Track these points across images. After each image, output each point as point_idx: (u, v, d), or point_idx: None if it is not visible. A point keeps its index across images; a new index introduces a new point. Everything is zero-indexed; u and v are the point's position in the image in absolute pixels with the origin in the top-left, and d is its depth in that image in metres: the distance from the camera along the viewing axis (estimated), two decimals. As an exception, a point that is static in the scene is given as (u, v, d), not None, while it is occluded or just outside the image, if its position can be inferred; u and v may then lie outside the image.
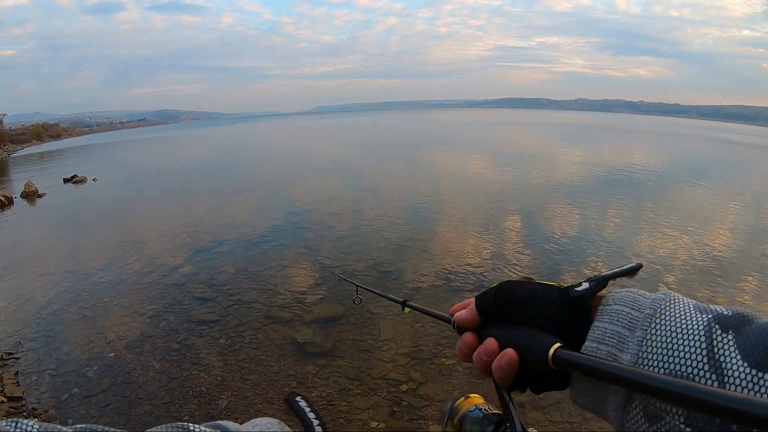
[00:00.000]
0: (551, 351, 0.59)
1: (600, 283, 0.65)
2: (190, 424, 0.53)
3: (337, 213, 13.72)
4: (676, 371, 0.51)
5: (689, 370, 0.50)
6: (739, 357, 0.48)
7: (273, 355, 6.13)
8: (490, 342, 0.68)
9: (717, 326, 0.52)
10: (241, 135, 75.41)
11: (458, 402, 1.13)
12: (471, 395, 1.18)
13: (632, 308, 0.59)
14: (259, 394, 5.37)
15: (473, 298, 0.76)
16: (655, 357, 0.53)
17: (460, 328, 0.76)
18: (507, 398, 0.73)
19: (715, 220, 13.28)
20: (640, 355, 0.55)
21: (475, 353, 0.70)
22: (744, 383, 0.46)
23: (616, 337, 0.58)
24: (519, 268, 8.88)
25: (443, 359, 5.81)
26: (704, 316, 0.54)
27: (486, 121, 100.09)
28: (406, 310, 1.29)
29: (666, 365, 0.52)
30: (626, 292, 0.62)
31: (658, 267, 9.13)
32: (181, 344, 6.45)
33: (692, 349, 0.51)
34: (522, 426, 0.95)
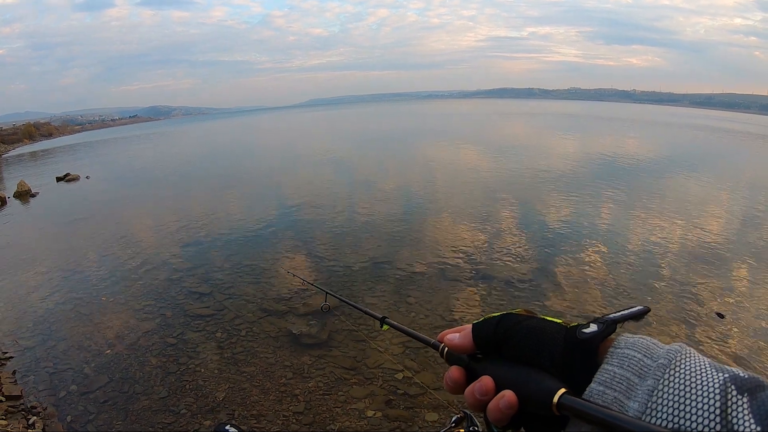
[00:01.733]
0: (556, 397, 0.56)
1: (609, 326, 0.61)
2: None
3: (330, 206, 13.74)
4: (686, 427, 0.49)
5: (700, 428, 0.48)
6: (752, 422, 0.46)
7: (269, 347, 6.17)
8: (486, 381, 0.63)
9: (733, 387, 0.50)
10: (233, 130, 75.06)
11: None
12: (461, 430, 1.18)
13: (644, 355, 0.57)
14: (256, 386, 5.40)
15: (469, 325, 0.71)
16: (665, 410, 0.51)
17: (451, 356, 0.72)
18: None
19: (709, 208, 13.37)
20: (649, 405, 0.52)
21: (467, 390, 0.64)
22: None
23: (624, 383, 0.55)
24: (513, 262, 8.93)
25: (438, 348, 5.86)
26: (720, 375, 0.52)
27: (478, 112, 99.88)
28: (385, 327, 1.19)
29: (676, 419, 0.50)
30: (639, 338, 0.60)
31: (653, 253, 9.22)
32: (178, 339, 6.48)
33: (706, 407, 0.49)
34: None
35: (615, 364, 0.57)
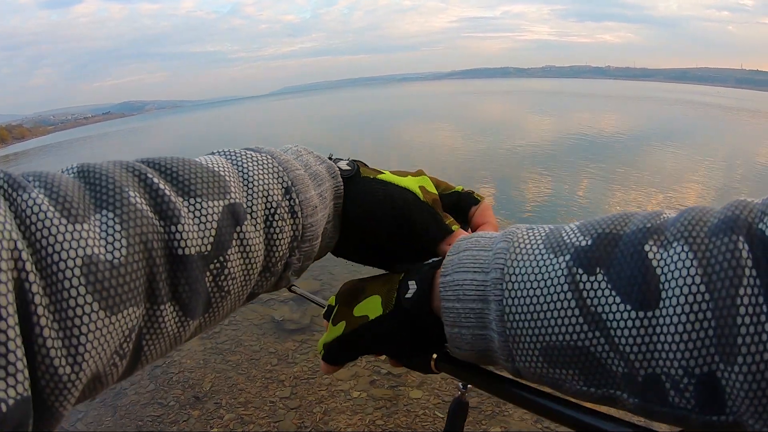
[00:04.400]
0: (432, 362, 0.59)
1: (427, 273, 0.57)
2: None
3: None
4: (556, 342, 0.44)
5: (568, 337, 0.43)
6: (618, 299, 0.40)
7: (253, 335, 6.22)
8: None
9: (579, 270, 0.43)
10: (208, 121, 74.29)
11: None
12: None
13: (475, 272, 0.50)
14: (242, 374, 5.47)
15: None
16: (525, 332, 0.45)
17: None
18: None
19: (685, 179, 13.59)
20: (508, 333, 0.47)
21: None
22: (633, 331, 0.39)
23: (472, 315, 0.50)
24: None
25: (420, 327, 5.96)
26: (560, 259, 0.45)
27: (454, 92, 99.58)
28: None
29: (541, 338, 0.44)
30: (465, 250, 0.53)
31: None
32: (162, 332, 6.49)
33: (561, 312, 0.43)
34: None
35: (451, 297, 0.51)
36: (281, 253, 0.56)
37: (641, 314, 0.39)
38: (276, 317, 6.60)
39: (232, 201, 0.49)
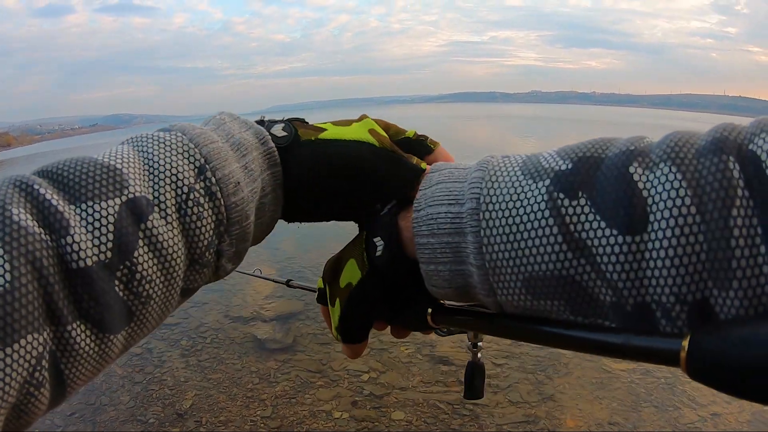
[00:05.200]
0: (428, 317, 0.56)
1: (390, 227, 0.55)
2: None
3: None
4: (539, 272, 0.41)
5: (551, 266, 0.40)
6: (603, 224, 0.38)
7: (234, 354, 6.19)
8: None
9: (560, 194, 0.40)
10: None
11: None
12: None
13: (450, 204, 0.48)
14: (223, 392, 5.44)
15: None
16: (505, 263, 0.43)
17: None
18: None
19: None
20: (487, 266, 0.44)
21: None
22: (620, 257, 0.37)
23: (448, 249, 0.47)
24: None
25: (402, 348, 5.96)
26: (539, 184, 0.42)
27: (441, 116, 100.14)
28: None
29: (523, 268, 0.42)
30: (437, 185, 0.51)
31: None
32: (143, 348, 6.43)
33: (543, 239, 0.40)
34: None
35: (425, 233, 0.49)
36: (206, 242, 0.49)
37: (628, 239, 0.37)
38: (259, 336, 6.55)
39: (131, 195, 0.44)
